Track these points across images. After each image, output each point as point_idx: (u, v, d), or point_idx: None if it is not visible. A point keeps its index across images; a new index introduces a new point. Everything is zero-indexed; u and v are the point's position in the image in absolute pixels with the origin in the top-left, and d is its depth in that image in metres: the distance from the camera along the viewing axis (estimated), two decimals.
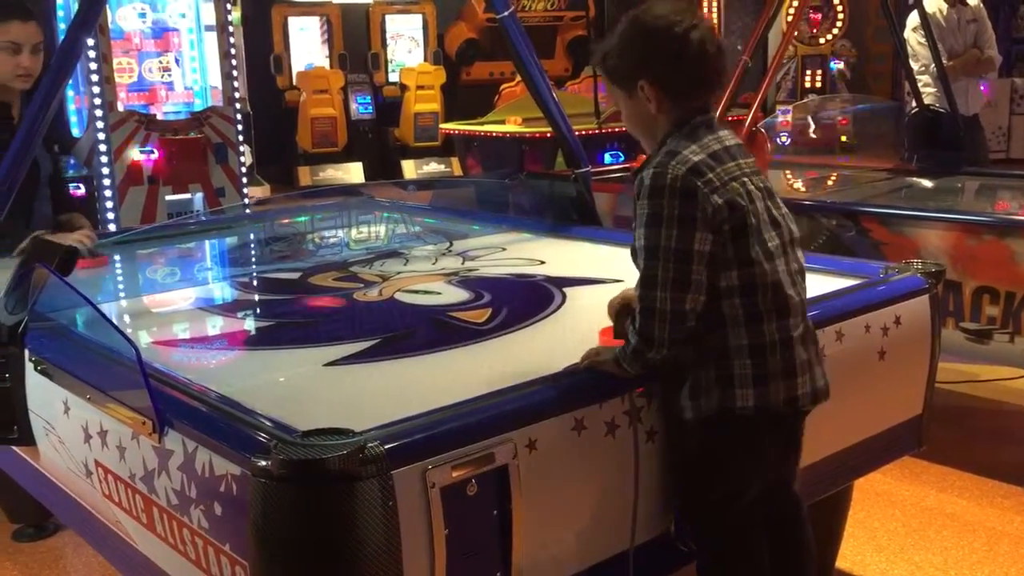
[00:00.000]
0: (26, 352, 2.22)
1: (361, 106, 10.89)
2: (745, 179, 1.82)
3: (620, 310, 1.98)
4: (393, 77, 11.24)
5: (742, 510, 1.92)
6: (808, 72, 10.02)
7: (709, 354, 1.81)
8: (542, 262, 2.95)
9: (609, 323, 2.01)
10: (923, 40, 5.08)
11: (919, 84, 5.18)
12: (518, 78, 9.86)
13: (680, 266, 1.72)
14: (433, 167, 10.71)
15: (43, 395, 2.17)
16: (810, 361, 1.88)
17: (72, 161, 6.35)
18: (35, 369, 2.18)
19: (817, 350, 1.93)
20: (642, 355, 1.78)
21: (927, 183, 4.67)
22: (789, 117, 6.45)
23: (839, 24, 10.07)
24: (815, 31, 10.04)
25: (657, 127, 1.86)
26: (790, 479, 2.04)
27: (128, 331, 1.87)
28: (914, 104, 5.21)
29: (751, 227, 1.78)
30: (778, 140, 5.90)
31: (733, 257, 1.78)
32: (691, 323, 1.77)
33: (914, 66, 5.21)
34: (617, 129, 7.27)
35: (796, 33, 9.09)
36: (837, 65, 10.03)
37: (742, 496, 1.92)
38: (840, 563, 2.85)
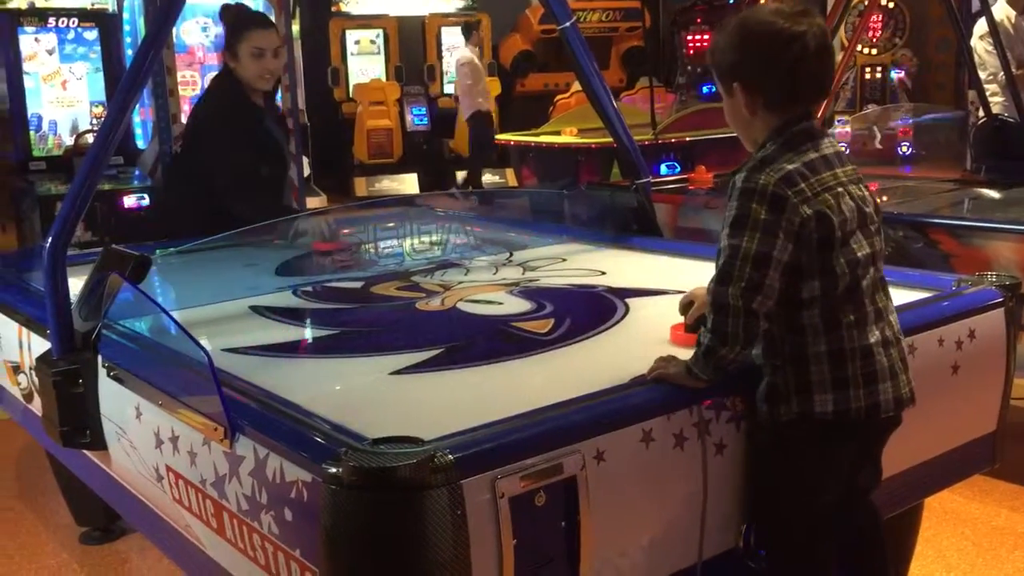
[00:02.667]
0: (99, 358, 2.27)
1: (416, 117, 10.98)
2: (840, 188, 1.80)
3: (686, 302, 2.05)
4: (448, 88, 11.31)
5: (812, 520, 1.90)
6: (868, 82, 9.86)
7: (786, 361, 1.80)
8: (603, 272, 2.94)
9: (679, 320, 2.03)
10: (991, 48, 4.99)
11: (987, 93, 5.07)
12: (572, 89, 9.89)
13: (756, 270, 1.71)
14: (488, 178, 10.74)
15: (115, 400, 2.22)
16: (893, 368, 1.85)
17: (136, 172, 6.50)
18: (108, 375, 2.23)
19: (902, 355, 1.90)
20: (715, 353, 1.75)
21: (996, 194, 4.55)
22: (848, 128, 6.35)
23: (900, 33, 9.90)
24: (875, 40, 9.89)
25: (753, 129, 1.85)
26: (869, 489, 2.01)
27: (199, 338, 1.90)
28: (980, 113, 5.09)
29: (837, 239, 1.77)
30: None
31: (817, 268, 1.77)
32: (763, 323, 1.76)
33: (981, 75, 5.11)
34: (673, 140, 7.22)
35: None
36: (898, 75, 9.86)
37: (812, 506, 1.89)
38: None
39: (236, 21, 3.52)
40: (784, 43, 1.74)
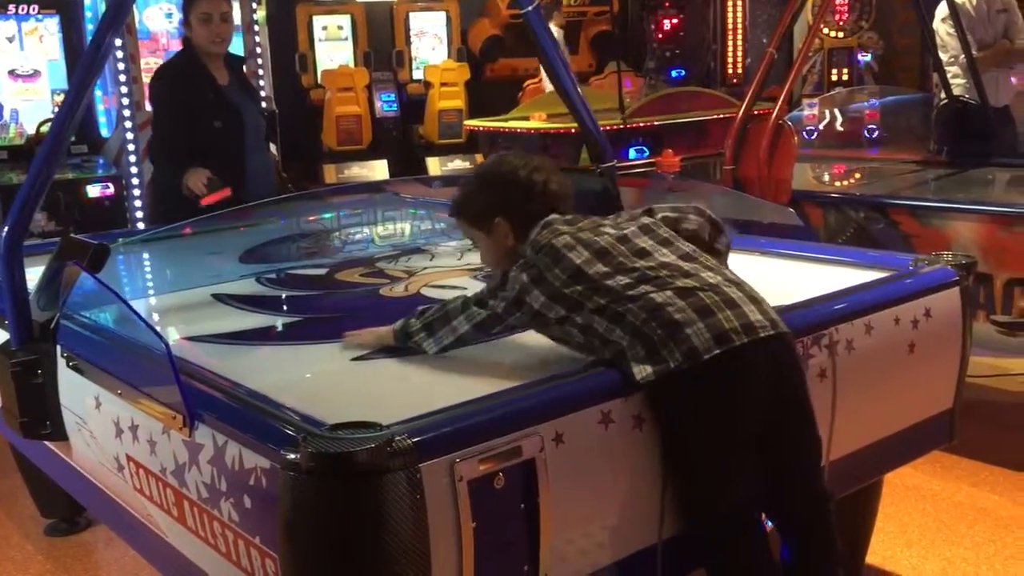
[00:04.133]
0: (58, 348, 2.25)
1: (385, 104, 10.90)
2: (603, 227, 2.02)
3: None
4: (417, 74, 11.24)
5: (731, 498, 1.85)
6: (835, 65, 9.93)
7: (625, 339, 1.83)
8: None
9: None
10: (952, 31, 5.02)
11: (948, 75, 5.11)
12: (541, 74, 9.87)
13: (506, 314, 1.99)
14: (457, 164, 10.70)
15: (75, 391, 2.20)
16: (728, 301, 1.86)
17: (101, 161, 6.43)
18: (67, 365, 2.21)
19: (739, 292, 1.90)
20: (417, 341, 2.06)
21: (956, 175, 4.62)
22: (815, 110, 6.38)
23: (866, 16, 9.97)
24: (842, 23, 9.95)
25: (515, 251, 2.08)
26: (808, 475, 1.98)
27: (158, 327, 1.89)
28: (943, 96, 5.14)
29: (596, 252, 1.94)
30: (804, 134, 5.85)
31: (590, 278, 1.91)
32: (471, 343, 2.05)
33: (943, 57, 5.15)
34: (642, 124, 7.24)
35: (823, 26, 9.02)
36: (864, 58, 9.93)
37: (724, 478, 1.84)
38: (870, 558, 2.83)
39: None
40: (528, 178, 2.10)
